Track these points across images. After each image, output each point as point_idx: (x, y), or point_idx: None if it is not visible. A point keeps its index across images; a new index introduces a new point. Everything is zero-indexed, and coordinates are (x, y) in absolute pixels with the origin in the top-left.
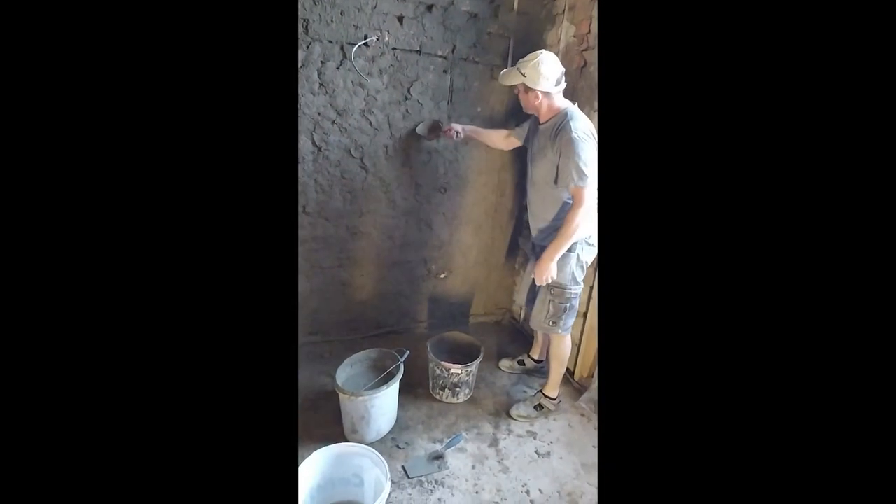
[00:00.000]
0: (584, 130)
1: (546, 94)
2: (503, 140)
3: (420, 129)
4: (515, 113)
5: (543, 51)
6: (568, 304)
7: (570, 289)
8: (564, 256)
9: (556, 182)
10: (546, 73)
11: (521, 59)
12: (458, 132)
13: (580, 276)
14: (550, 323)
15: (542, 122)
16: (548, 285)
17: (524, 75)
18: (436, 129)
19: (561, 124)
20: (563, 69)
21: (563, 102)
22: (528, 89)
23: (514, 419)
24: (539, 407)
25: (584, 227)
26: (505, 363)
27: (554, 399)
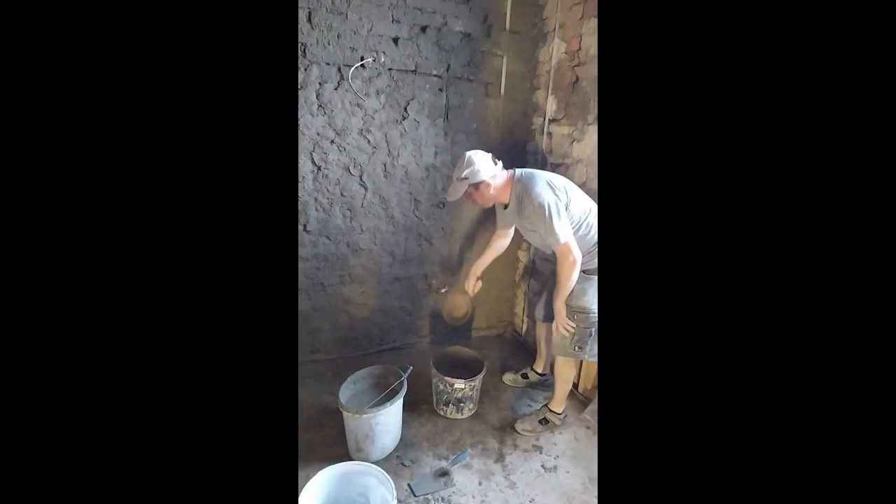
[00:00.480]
0: (542, 191)
1: (493, 177)
2: (503, 238)
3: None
4: (512, 130)
5: (467, 152)
6: (592, 329)
7: (594, 312)
8: (588, 281)
9: (541, 243)
10: (480, 163)
11: (454, 173)
12: (477, 279)
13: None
14: (576, 348)
15: (506, 204)
16: (571, 311)
17: (466, 178)
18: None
19: (520, 198)
20: (490, 153)
21: (508, 174)
22: (477, 186)
23: (519, 433)
24: (544, 421)
25: (576, 275)
26: (508, 377)
27: (560, 414)
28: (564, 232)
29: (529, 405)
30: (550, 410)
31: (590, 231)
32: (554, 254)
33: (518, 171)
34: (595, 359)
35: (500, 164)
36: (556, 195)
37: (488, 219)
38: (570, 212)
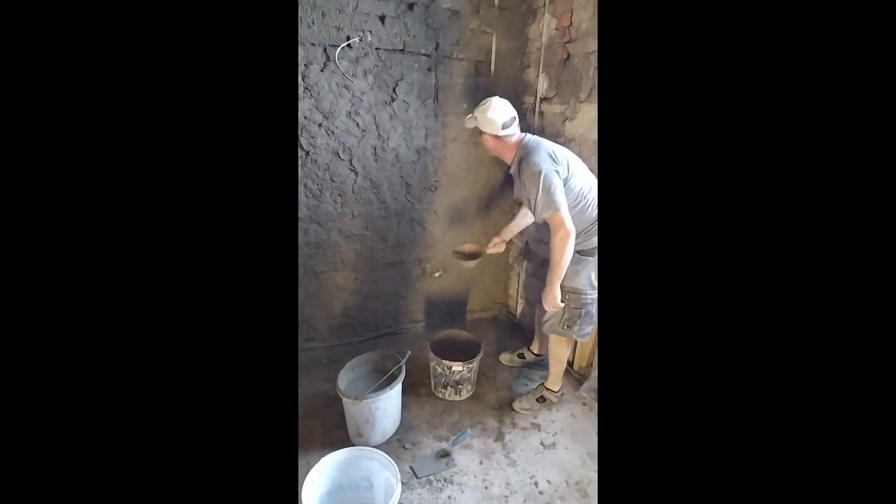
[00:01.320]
0: (542, 159)
1: (496, 137)
2: (528, 216)
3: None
4: None
5: (495, 97)
6: (584, 310)
7: (587, 294)
8: (581, 262)
9: (533, 213)
10: (493, 118)
11: (477, 106)
12: (503, 241)
13: (597, 283)
14: (565, 327)
15: (510, 165)
16: (564, 291)
17: (477, 119)
18: (476, 254)
19: (521, 163)
20: (515, 114)
21: (517, 138)
22: (481, 132)
23: (517, 412)
24: (541, 399)
25: (570, 249)
26: (505, 357)
27: (556, 391)
28: (557, 202)
29: (526, 384)
30: (547, 389)
31: (588, 208)
32: (546, 228)
33: (527, 136)
34: (584, 339)
35: (510, 129)
36: (555, 166)
37: (481, 201)
38: (569, 186)
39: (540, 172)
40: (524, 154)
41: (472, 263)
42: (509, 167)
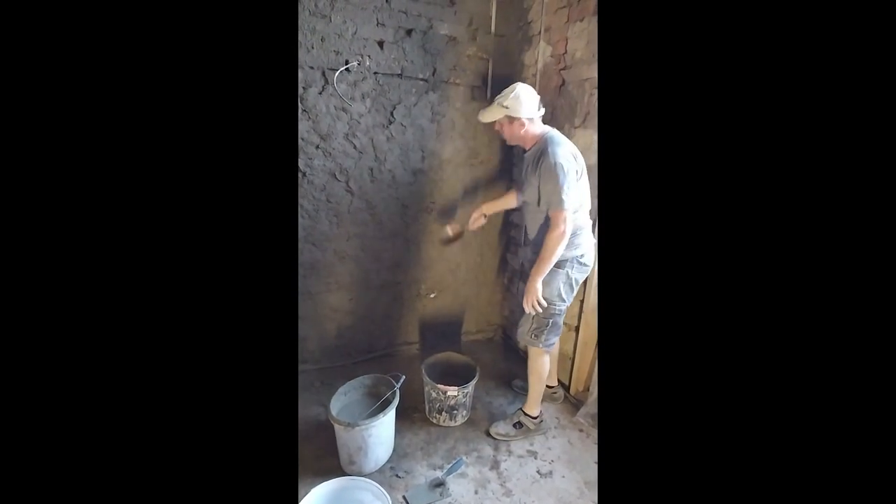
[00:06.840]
0: (565, 155)
1: (530, 120)
2: (515, 197)
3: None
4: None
5: (519, 83)
6: (551, 321)
7: (555, 305)
8: (552, 272)
9: (538, 204)
10: (526, 101)
11: (498, 95)
12: (483, 215)
13: (567, 295)
14: (532, 336)
15: (526, 149)
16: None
17: (506, 107)
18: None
19: (542, 150)
20: (539, 96)
21: (543, 128)
22: (512, 120)
23: (493, 437)
24: (518, 425)
25: (562, 249)
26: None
27: (535, 418)
28: (569, 200)
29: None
30: (524, 413)
31: (577, 218)
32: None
33: (552, 129)
34: (549, 349)
35: (542, 111)
36: (575, 166)
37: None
38: (579, 188)
39: (561, 167)
40: (547, 145)
41: (453, 242)
42: (522, 150)
